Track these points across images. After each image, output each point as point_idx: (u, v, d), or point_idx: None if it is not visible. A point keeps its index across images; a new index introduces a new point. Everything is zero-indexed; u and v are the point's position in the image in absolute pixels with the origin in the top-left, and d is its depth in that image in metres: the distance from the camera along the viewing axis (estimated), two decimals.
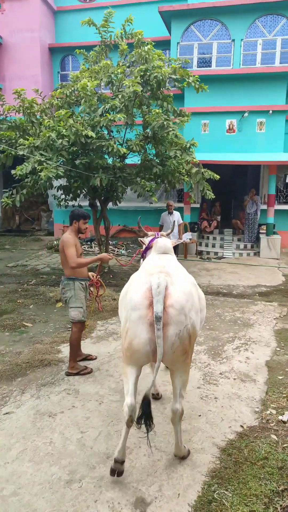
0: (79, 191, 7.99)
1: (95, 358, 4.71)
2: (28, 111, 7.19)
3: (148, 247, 3.98)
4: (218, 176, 7.39)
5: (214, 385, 4.12)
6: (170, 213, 9.00)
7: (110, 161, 7.61)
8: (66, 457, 2.99)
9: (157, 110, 6.58)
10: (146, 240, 4.07)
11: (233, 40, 10.55)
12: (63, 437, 3.22)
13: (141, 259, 4.29)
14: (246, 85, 10.35)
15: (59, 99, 7.66)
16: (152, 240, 4.04)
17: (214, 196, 7.47)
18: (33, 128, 7.47)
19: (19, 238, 14.98)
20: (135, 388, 2.82)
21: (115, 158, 7.57)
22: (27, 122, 7.47)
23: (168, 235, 4.26)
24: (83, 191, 8.12)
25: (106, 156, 7.45)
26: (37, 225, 16.81)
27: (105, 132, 7.81)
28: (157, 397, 3.90)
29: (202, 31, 10.71)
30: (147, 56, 6.88)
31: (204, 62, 10.87)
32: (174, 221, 9.09)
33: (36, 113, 7.54)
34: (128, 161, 8.13)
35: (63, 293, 4.35)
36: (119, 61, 7.89)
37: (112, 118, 6.15)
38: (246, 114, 10.23)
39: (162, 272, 2.82)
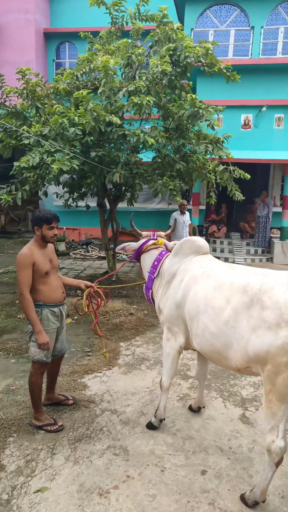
0: (88, 189, 7.00)
1: (72, 403, 3.58)
2: (33, 94, 6.15)
3: (140, 251, 3.43)
4: (248, 176, 6.57)
5: None
6: (183, 213, 8.13)
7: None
8: None
9: (192, 96, 5.67)
10: (136, 245, 3.48)
11: (253, 27, 9.77)
12: None
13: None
14: (265, 77, 9.54)
15: (66, 83, 6.64)
16: (146, 242, 3.41)
17: (244, 198, 6.64)
18: (38, 114, 6.44)
19: (5, 240, 13.78)
20: None
21: (129, 152, 6.63)
22: (30, 108, 6.42)
23: (167, 235, 3.67)
24: (91, 189, 7.14)
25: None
26: (24, 226, 15.61)
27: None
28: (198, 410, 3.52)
29: (219, 16, 9.89)
30: (173, 35, 5.98)
31: (220, 51, 10.05)
32: (182, 222, 8.34)
33: (40, 98, 6.50)
34: (140, 156, 7.20)
35: (29, 322, 3.16)
36: (133, 42, 6.94)
37: (139, 102, 5.20)
38: (264, 109, 9.46)
39: None
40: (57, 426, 3.22)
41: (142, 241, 3.52)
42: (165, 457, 2.91)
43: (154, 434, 3.18)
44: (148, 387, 3.95)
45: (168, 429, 3.26)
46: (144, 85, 5.53)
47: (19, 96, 6.52)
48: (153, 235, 3.56)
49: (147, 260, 3.43)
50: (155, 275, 3.31)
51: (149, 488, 2.59)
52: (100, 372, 4.27)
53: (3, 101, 6.89)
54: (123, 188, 7.23)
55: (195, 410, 3.50)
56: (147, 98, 5.24)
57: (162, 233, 3.65)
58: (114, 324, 5.76)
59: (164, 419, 3.26)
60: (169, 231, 3.80)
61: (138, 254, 3.51)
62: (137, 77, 6.50)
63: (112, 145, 6.47)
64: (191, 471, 2.76)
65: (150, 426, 3.24)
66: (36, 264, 3.07)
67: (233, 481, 2.67)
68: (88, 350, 4.91)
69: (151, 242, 3.47)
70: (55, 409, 3.53)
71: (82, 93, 5.14)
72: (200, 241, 3.18)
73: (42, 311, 3.17)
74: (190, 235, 8.25)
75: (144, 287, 3.46)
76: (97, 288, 3.52)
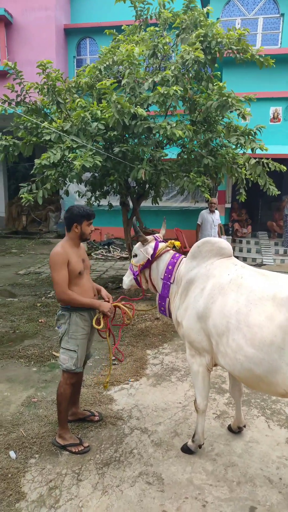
0: (111, 187, 6.71)
1: (98, 420, 3.27)
2: (54, 89, 5.89)
3: (153, 257, 2.98)
4: (284, 168, 6.12)
5: None
6: (212, 211, 7.75)
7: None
8: None
9: (220, 84, 5.30)
10: (150, 248, 2.99)
11: (282, 15, 9.24)
12: None
13: (139, 274, 3.09)
14: None
15: (89, 77, 6.35)
16: (157, 246, 2.99)
17: (279, 192, 6.20)
18: (59, 110, 6.18)
19: (27, 240, 13.73)
20: None
21: (153, 148, 6.29)
22: (52, 103, 6.16)
23: (163, 235, 3.33)
24: (114, 187, 6.84)
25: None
26: (45, 226, 15.54)
27: None
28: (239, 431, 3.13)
29: (246, 4, 9.41)
30: (202, 18, 5.59)
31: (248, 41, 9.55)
32: (210, 221, 7.96)
33: (61, 93, 6.24)
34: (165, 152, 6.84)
35: (58, 326, 3.00)
36: (159, 31, 6.58)
37: (165, 92, 4.85)
38: None
39: None
40: (82, 447, 2.91)
41: (152, 244, 3.06)
42: (205, 488, 2.55)
43: (191, 459, 2.82)
44: (180, 402, 3.60)
45: (206, 453, 2.89)
46: (172, 75, 5.17)
47: (39, 92, 6.28)
48: (156, 237, 3.16)
49: (160, 266, 3.01)
50: (171, 281, 2.91)
51: None
52: (127, 384, 3.95)
53: (23, 98, 6.68)
54: (147, 185, 6.92)
55: (235, 431, 3.12)
56: (174, 88, 4.87)
57: (161, 235, 3.27)
58: (140, 329, 5.44)
59: (203, 444, 2.90)
60: (163, 231, 3.39)
61: (149, 261, 3.05)
62: (162, 69, 6.16)
63: (136, 140, 6.15)
64: (238, 507, 2.39)
65: (186, 450, 2.88)
66: (70, 263, 2.83)
67: None
68: (113, 358, 4.59)
69: (164, 245, 3.08)
70: (80, 426, 3.23)
71: (105, 83, 4.83)
72: (222, 242, 2.77)
73: (70, 315, 2.91)
74: (219, 236, 7.85)
75: (157, 298, 3.04)
76: (116, 303, 3.07)
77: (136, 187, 7.06)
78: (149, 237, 3.11)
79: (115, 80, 5.61)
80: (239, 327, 2.29)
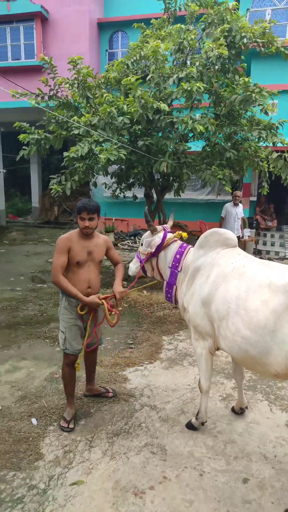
0: (135, 179, 6.93)
1: (112, 396, 3.56)
2: (84, 84, 6.15)
3: (161, 246, 3.15)
4: None
5: None
6: (236, 204, 7.83)
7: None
8: None
9: (245, 79, 5.36)
10: (158, 238, 3.18)
11: None
12: None
13: (145, 262, 3.26)
14: None
15: (116, 72, 6.57)
16: (165, 236, 3.16)
17: None
18: (88, 105, 6.44)
19: (58, 230, 14.26)
20: None
21: (177, 141, 6.43)
22: (81, 98, 6.43)
23: (171, 226, 3.52)
24: (139, 179, 7.05)
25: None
26: (75, 217, 16.01)
27: None
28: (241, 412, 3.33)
29: None
30: (227, 16, 5.65)
31: (277, 32, 9.40)
32: (234, 214, 8.02)
33: (91, 88, 6.49)
34: (190, 145, 6.96)
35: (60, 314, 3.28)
36: (186, 27, 6.67)
37: (189, 88, 4.99)
38: None
39: None
40: (66, 425, 3.11)
41: (161, 234, 3.23)
42: (204, 460, 2.78)
43: (194, 435, 3.05)
44: (189, 384, 3.83)
45: (209, 430, 3.11)
46: (197, 71, 5.29)
47: (70, 87, 6.56)
48: (165, 228, 3.33)
49: (168, 255, 3.17)
50: (179, 269, 3.08)
51: (187, 493, 2.48)
52: (142, 366, 4.21)
53: (55, 92, 6.98)
54: (171, 178, 7.08)
55: (238, 412, 3.32)
56: (197, 84, 5.00)
57: (168, 225, 3.45)
58: (158, 316, 5.69)
59: (206, 422, 3.12)
60: (171, 222, 3.59)
61: (157, 251, 3.22)
62: (188, 63, 6.27)
63: (160, 134, 6.33)
64: (232, 478, 2.61)
65: (190, 427, 3.12)
66: (70, 251, 3.05)
67: (277, 494, 2.48)
68: (131, 342, 4.88)
69: (172, 235, 3.25)
70: (95, 401, 3.53)
71: (130, 79, 5.03)
72: (228, 233, 2.95)
73: (62, 298, 3.17)
74: (241, 229, 7.92)
75: (164, 285, 3.23)
76: (104, 301, 3.11)
77: (160, 179, 7.24)
78: (158, 227, 3.30)
79: (140, 76, 5.79)
80: (238, 311, 2.47)
